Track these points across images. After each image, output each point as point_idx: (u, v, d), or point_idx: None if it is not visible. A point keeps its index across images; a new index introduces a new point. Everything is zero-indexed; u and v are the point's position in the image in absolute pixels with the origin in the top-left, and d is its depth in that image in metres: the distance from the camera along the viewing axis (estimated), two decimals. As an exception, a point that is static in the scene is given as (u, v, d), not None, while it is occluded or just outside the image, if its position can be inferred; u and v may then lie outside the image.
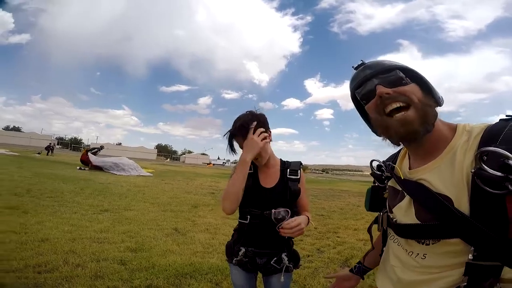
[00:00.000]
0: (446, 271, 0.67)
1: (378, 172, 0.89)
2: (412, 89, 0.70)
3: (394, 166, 0.84)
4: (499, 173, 0.56)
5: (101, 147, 16.69)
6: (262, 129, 1.33)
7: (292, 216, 1.30)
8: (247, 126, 1.32)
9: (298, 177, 1.42)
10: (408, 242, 0.76)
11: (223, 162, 71.85)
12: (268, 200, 1.36)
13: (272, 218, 1.29)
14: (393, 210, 0.82)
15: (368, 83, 0.75)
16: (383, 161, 0.91)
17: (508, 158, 0.56)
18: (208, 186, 12.08)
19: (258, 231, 1.36)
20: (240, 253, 1.36)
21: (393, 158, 0.90)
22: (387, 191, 0.89)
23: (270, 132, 1.42)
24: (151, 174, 14.67)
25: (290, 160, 1.49)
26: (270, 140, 1.41)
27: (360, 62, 0.81)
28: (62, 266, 2.75)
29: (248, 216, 1.36)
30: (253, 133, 1.31)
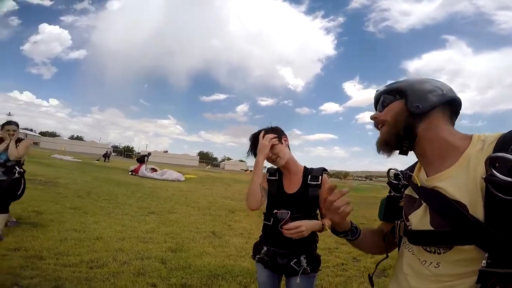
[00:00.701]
0: (458, 279, 0.66)
1: (395, 182, 0.91)
2: (389, 108, 0.83)
3: (411, 175, 0.85)
4: (509, 179, 0.56)
5: (149, 154, 18.23)
6: (270, 135, 1.51)
7: (308, 219, 1.41)
8: (256, 139, 1.56)
9: (319, 183, 1.50)
10: (421, 251, 0.76)
11: (261, 168, 72.02)
12: (289, 204, 1.47)
13: (278, 218, 1.38)
14: (409, 217, 0.82)
15: None
16: (401, 170, 0.91)
17: None
18: (245, 192, 12.16)
19: (279, 232, 1.42)
20: (262, 251, 1.52)
21: (412, 167, 0.91)
22: (403, 199, 0.90)
23: (286, 137, 1.59)
24: (183, 178, 15.40)
25: (315, 167, 1.58)
26: (287, 145, 1.58)
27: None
28: (111, 263, 3.07)
29: (272, 219, 1.50)
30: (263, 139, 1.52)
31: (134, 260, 3.19)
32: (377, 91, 0.91)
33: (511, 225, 0.58)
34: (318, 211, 1.53)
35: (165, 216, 5.87)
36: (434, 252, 0.72)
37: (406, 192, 0.88)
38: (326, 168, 1.58)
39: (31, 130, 66.40)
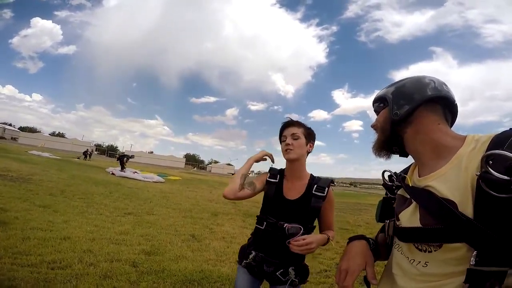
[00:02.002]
0: (446, 279, 0.65)
1: (389, 183, 0.92)
2: (380, 115, 0.86)
3: (405, 176, 0.86)
4: (505, 177, 0.55)
5: (132, 156, 17.59)
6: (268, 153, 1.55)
7: (308, 233, 1.34)
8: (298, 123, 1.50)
9: (324, 194, 1.39)
10: (410, 250, 0.75)
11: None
12: (286, 211, 1.38)
13: (286, 232, 1.32)
14: (399, 216, 0.81)
15: None
16: (395, 172, 0.92)
17: None
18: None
19: (270, 239, 1.38)
20: (251, 256, 1.40)
21: (407, 169, 0.91)
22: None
23: (313, 145, 1.50)
24: (163, 180, 15.02)
25: (320, 176, 1.49)
26: (309, 151, 1.48)
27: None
28: (76, 264, 2.81)
29: (264, 223, 1.40)
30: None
31: (102, 262, 2.94)
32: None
33: (501, 223, 0.58)
34: (316, 223, 1.44)
35: (142, 217, 5.57)
36: (425, 251, 0.71)
37: (398, 192, 0.87)
38: (331, 178, 1.49)
39: (9, 124, 63.42)
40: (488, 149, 0.63)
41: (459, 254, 0.64)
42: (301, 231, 1.30)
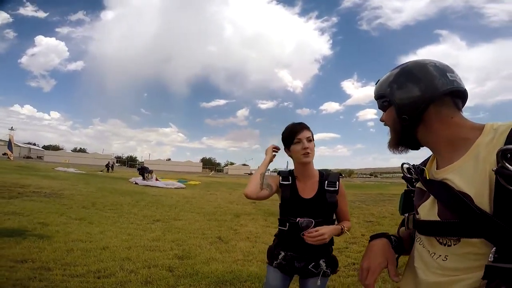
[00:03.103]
0: (465, 273, 0.65)
1: (409, 176, 0.91)
2: (387, 115, 0.83)
3: (423, 169, 0.84)
4: None
5: (151, 171, 17.06)
6: (276, 146, 1.61)
7: (327, 224, 1.43)
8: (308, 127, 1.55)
9: (336, 188, 1.49)
10: (431, 243, 0.75)
11: (265, 172, 72.56)
12: (306, 210, 1.47)
13: (299, 226, 1.43)
14: (418, 209, 0.81)
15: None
16: (413, 165, 0.90)
17: None
18: (251, 195, 12.25)
19: (296, 237, 1.44)
20: (280, 256, 1.49)
21: (426, 160, 0.89)
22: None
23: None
24: (184, 186, 15.43)
25: (330, 169, 1.63)
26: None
27: (377, 80, 0.88)
28: (118, 272, 3.05)
29: (287, 224, 1.47)
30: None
31: (141, 269, 3.16)
32: (376, 82, 0.88)
33: None
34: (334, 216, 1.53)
35: (170, 223, 5.84)
36: (445, 244, 0.70)
37: (417, 185, 0.87)
38: (338, 172, 1.62)
39: (34, 144, 66.83)
40: (507, 139, 0.61)
41: (477, 249, 0.64)
42: (313, 224, 1.41)
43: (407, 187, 0.94)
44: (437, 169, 0.78)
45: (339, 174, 1.57)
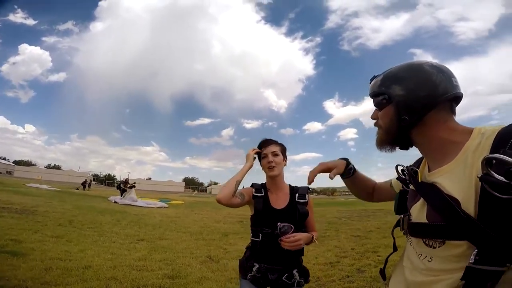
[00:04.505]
0: (446, 274, 0.67)
1: (403, 177, 0.92)
2: (383, 114, 0.82)
3: (417, 170, 0.85)
4: (505, 180, 0.56)
5: (132, 185, 16.46)
6: (255, 149, 1.63)
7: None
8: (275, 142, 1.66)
9: (306, 200, 1.59)
10: (418, 244, 0.77)
11: (249, 193, 71.81)
12: (279, 220, 1.50)
13: (278, 230, 1.43)
14: (410, 211, 0.84)
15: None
16: (407, 166, 0.91)
17: None
18: (236, 215, 11.93)
19: (269, 248, 1.47)
20: (254, 268, 1.47)
21: (419, 162, 0.90)
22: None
23: (286, 159, 1.66)
24: (167, 205, 14.86)
25: (313, 187, 1.70)
26: (285, 164, 1.65)
27: (372, 76, 0.88)
28: (105, 292, 2.81)
29: (260, 235, 1.49)
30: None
31: (130, 288, 2.94)
32: (370, 80, 0.87)
33: (504, 223, 0.59)
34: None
35: (156, 243, 5.53)
36: (431, 246, 0.73)
37: (410, 186, 0.88)
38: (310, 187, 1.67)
39: (4, 158, 62.63)
40: (493, 145, 0.63)
41: (460, 251, 0.66)
42: (292, 229, 1.43)
43: (402, 187, 0.95)
44: (429, 171, 0.80)
45: (308, 188, 1.65)
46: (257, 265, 1.47)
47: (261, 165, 1.63)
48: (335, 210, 14.30)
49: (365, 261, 4.46)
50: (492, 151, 0.62)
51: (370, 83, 0.86)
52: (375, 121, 0.86)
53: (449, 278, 0.65)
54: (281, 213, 1.51)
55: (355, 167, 1.12)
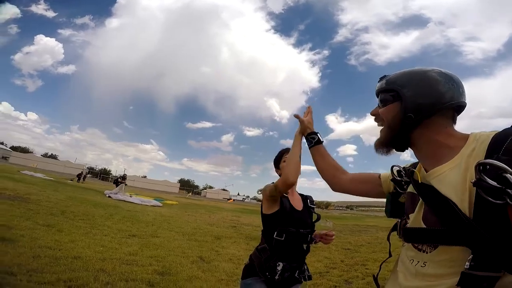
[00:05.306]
0: (441, 279, 0.66)
1: (399, 178, 0.89)
2: (385, 110, 0.82)
3: (414, 171, 0.84)
4: (498, 185, 0.56)
5: (123, 177, 16.89)
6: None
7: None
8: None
9: (315, 206, 1.75)
10: (412, 249, 0.76)
11: (243, 198, 71.53)
12: (300, 220, 1.58)
13: (322, 224, 1.45)
14: (409, 215, 0.82)
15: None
16: (403, 167, 0.90)
17: (505, 171, 0.56)
18: (230, 220, 11.89)
19: (292, 246, 1.52)
20: (279, 268, 1.45)
21: (416, 164, 0.90)
22: (404, 195, 0.89)
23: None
24: (161, 204, 14.75)
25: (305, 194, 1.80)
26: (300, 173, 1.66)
27: (383, 75, 0.88)
28: (93, 283, 2.76)
29: (284, 234, 1.50)
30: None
31: (118, 282, 2.89)
32: (380, 79, 0.88)
33: (498, 228, 0.59)
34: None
35: (148, 239, 5.47)
36: (424, 251, 0.72)
37: (408, 189, 0.87)
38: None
39: (1, 143, 62.17)
40: (487, 151, 0.64)
41: (452, 256, 0.65)
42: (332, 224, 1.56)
43: (394, 189, 0.93)
44: (426, 172, 0.80)
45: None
46: (281, 264, 1.46)
47: (278, 169, 1.71)
48: (329, 223, 14.24)
49: (353, 273, 4.52)
50: (486, 157, 0.63)
51: (379, 82, 0.87)
52: (374, 117, 0.88)
53: (443, 284, 0.64)
54: (301, 214, 1.60)
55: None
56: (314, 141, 1.21)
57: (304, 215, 1.61)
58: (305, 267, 1.58)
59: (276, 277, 1.44)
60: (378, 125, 0.87)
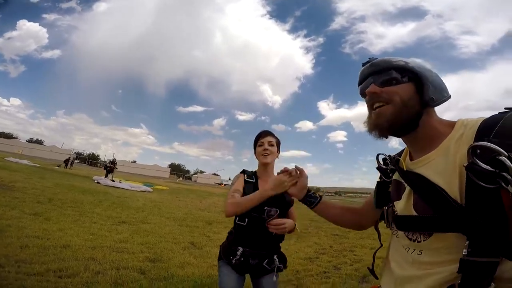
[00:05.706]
0: (439, 267, 0.65)
1: (384, 166, 0.89)
2: (399, 89, 0.75)
3: (399, 159, 0.83)
4: (491, 168, 0.56)
5: (112, 161, 17.31)
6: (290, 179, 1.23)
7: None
8: (273, 134, 1.69)
9: None
10: (406, 238, 0.75)
11: (235, 183, 72.24)
12: (266, 205, 1.49)
13: (265, 214, 1.45)
14: (395, 203, 0.82)
15: (367, 80, 0.81)
16: (389, 155, 0.89)
17: (499, 153, 0.56)
18: (221, 205, 11.99)
19: (255, 232, 1.49)
20: (238, 252, 1.47)
21: (400, 153, 0.88)
22: (391, 184, 0.88)
23: (279, 152, 1.71)
24: (151, 190, 14.72)
25: None
26: (277, 157, 1.70)
27: (367, 59, 0.82)
28: (83, 272, 2.76)
29: (247, 219, 1.50)
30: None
31: (109, 270, 2.89)
32: (370, 60, 0.81)
33: (490, 212, 0.58)
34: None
35: (138, 226, 5.47)
36: (419, 240, 0.71)
37: (393, 177, 0.86)
38: None
39: (-18, 130, 59.67)
40: (476, 136, 0.63)
41: (450, 243, 0.65)
42: (277, 213, 1.46)
43: (380, 178, 0.92)
44: (410, 160, 0.79)
45: None
46: (241, 249, 1.48)
47: (255, 153, 1.68)
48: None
49: (342, 259, 4.65)
50: (476, 140, 0.62)
51: (375, 59, 0.80)
52: (372, 96, 0.77)
53: (442, 272, 0.64)
54: (268, 199, 1.42)
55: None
56: (316, 200, 1.10)
57: (272, 200, 1.41)
58: (276, 257, 1.52)
59: (233, 261, 1.47)
60: (375, 106, 0.78)
